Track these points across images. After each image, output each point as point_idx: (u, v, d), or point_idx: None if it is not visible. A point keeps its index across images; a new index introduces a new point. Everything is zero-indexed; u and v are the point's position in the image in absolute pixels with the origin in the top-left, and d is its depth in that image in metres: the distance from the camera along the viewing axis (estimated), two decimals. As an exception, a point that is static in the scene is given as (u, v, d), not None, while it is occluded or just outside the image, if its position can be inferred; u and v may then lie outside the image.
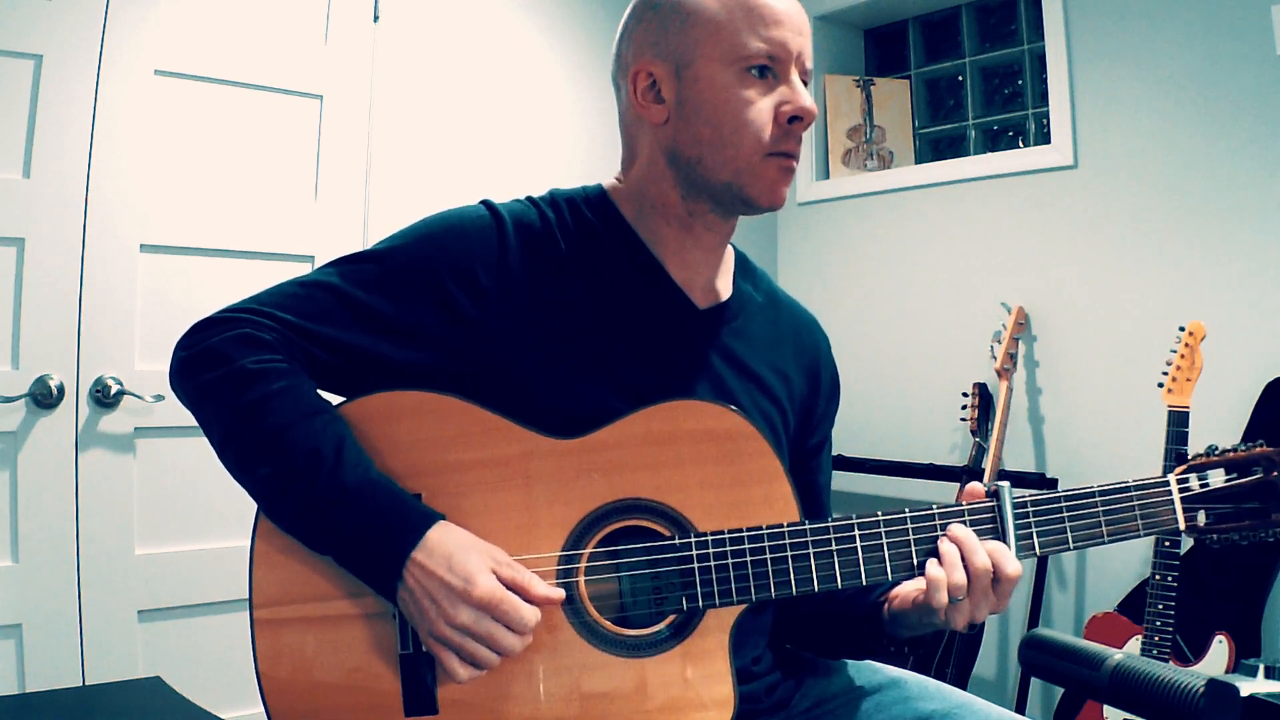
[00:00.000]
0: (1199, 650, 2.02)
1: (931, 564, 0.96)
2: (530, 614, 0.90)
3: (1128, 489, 1.00)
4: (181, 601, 2.11)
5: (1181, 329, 2.08)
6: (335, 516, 0.91)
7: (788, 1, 1.02)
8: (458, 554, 0.90)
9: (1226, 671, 1.96)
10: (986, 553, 0.95)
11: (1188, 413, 2.02)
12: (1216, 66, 2.28)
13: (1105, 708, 2.08)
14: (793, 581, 0.97)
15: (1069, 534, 0.99)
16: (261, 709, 0.94)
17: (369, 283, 1.01)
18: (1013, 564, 0.96)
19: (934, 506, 1.00)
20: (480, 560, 0.91)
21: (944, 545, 0.96)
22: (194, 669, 2.10)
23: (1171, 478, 1.01)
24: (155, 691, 1.55)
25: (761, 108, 1.00)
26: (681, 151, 1.04)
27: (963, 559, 0.95)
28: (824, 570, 0.97)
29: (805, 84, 1.04)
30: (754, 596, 0.96)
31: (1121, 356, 2.42)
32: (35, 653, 1.93)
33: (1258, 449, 1.01)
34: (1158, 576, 1.98)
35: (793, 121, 1.01)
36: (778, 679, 1.12)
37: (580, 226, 1.08)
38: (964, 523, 0.99)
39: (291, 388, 0.95)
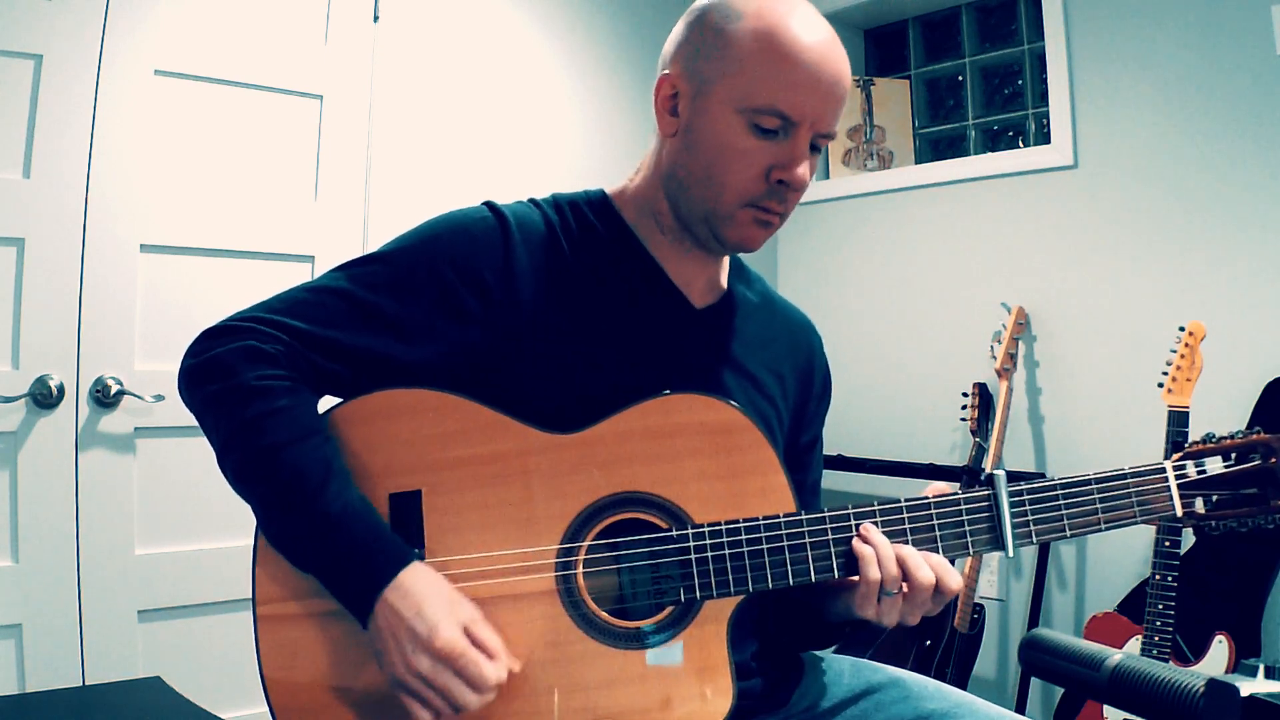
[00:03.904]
0: (1199, 650, 2.01)
1: (859, 544, 0.97)
2: (491, 672, 0.90)
3: (1124, 476, 1.01)
4: (181, 601, 2.11)
5: (1181, 329, 2.08)
6: (315, 543, 0.92)
7: (822, 64, 0.98)
8: (428, 603, 0.90)
9: (1226, 671, 1.96)
10: (930, 567, 0.96)
11: (1188, 413, 2.02)
12: (1216, 66, 2.28)
13: (1105, 708, 2.08)
14: (789, 572, 0.97)
15: (1065, 522, 1.00)
16: (262, 708, 0.95)
17: (376, 284, 1.02)
18: (955, 580, 0.96)
19: (929, 496, 1.01)
20: (449, 612, 0.91)
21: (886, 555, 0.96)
22: (194, 669, 2.10)
23: (1168, 464, 1.02)
24: (155, 691, 1.55)
25: (754, 162, 0.99)
26: (675, 172, 1.05)
27: (909, 575, 0.96)
28: (820, 561, 0.98)
29: (820, 147, 1.02)
30: (751, 587, 0.97)
31: (1121, 356, 2.42)
32: (35, 653, 1.93)
33: (1255, 435, 1.01)
34: (1158, 576, 1.98)
35: (780, 184, 1.00)
36: (776, 677, 1.12)
37: (582, 228, 1.09)
38: (960, 512, 0.99)
39: (289, 407, 0.96)
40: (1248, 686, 0.75)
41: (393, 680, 0.91)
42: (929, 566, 0.96)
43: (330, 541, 0.92)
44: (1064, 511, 1.00)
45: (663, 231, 1.09)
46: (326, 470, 0.93)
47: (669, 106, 1.05)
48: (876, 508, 0.99)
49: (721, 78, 1.00)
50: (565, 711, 0.95)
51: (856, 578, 0.97)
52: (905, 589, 0.96)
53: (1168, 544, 1.98)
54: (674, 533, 0.98)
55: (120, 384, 2.04)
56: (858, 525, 0.98)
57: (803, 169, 1.00)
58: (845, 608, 1.01)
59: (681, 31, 1.06)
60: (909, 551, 0.96)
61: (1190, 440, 1.03)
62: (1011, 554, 0.99)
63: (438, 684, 0.89)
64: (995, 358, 2.49)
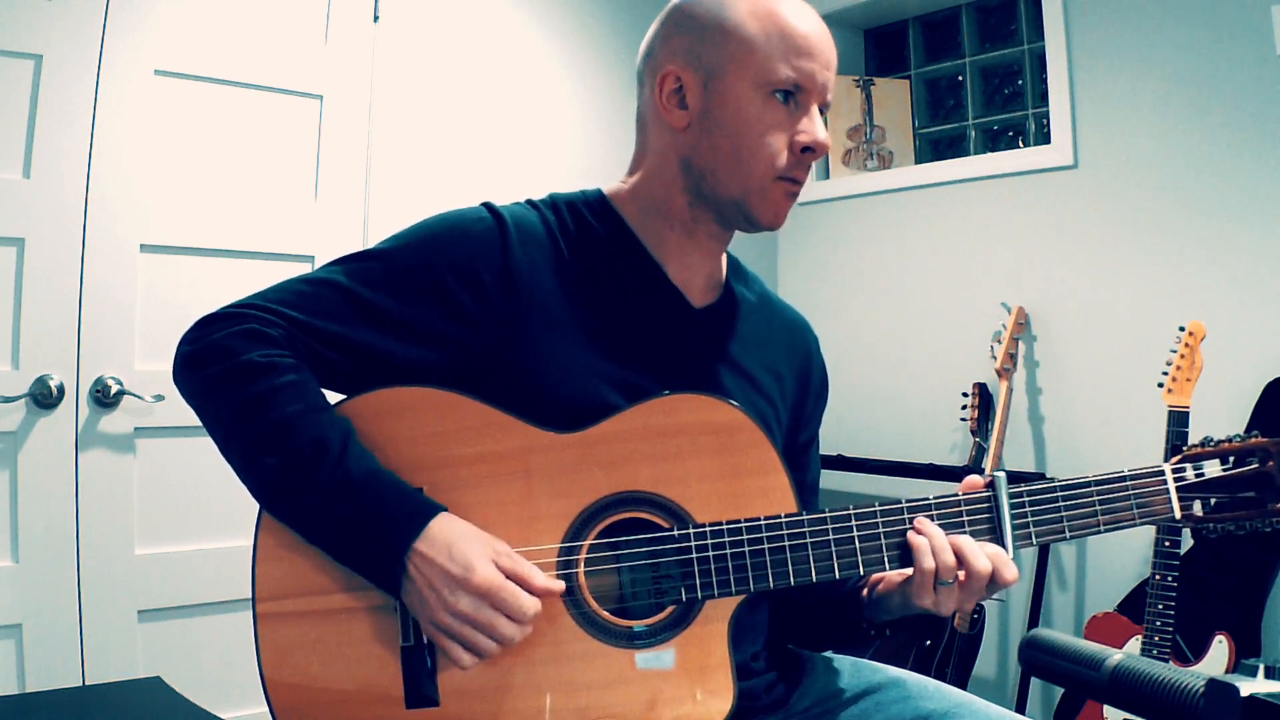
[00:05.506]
0: (1199, 650, 2.02)
1: (913, 536, 0.99)
2: (529, 603, 0.91)
3: (1123, 479, 1.02)
4: (181, 601, 2.11)
5: (1181, 329, 2.08)
6: (339, 506, 0.92)
7: (822, 35, 1.05)
8: (458, 543, 0.91)
9: (1226, 671, 1.97)
10: (987, 556, 0.98)
11: (1188, 413, 2.02)
12: (1216, 66, 2.28)
13: (1105, 708, 2.08)
14: (791, 572, 0.98)
15: (1065, 524, 1.01)
16: (262, 708, 0.95)
17: (374, 281, 1.02)
18: (1011, 570, 0.98)
19: (930, 498, 1.01)
20: (480, 549, 0.92)
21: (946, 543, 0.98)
22: (194, 669, 2.10)
23: (1166, 467, 1.03)
24: (155, 691, 1.55)
25: (780, 134, 1.03)
26: (696, 161, 1.06)
27: (966, 564, 0.97)
28: (821, 561, 0.98)
29: (824, 114, 1.07)
30: (752, 587, 0.97)
31: (1121, 356, 2.42)
32: (35, 653, 1.93)
33: (1253, 440, 1.02)
34: (1158, 576, 1.98)
35: (805, 151, 1.04)
36: (776, 677, 1.12)
37: (580, 228, 1.09)
38: (960, 513, 1.00)
39: (298, 382, 0.96)
40: (1248, 686, 0.75)
41: (432, 625, 0.91)
42: (985, 556, 0.98)
43: (355, 502, 0.92)
44: (1064, 513, 1.01)
45: (671, 227, 1.09)
46: (345, 436, 0.94)
47: (675, 100, 1.06)
48: (878, 508, 0.99)
49: (732, 61, 1.02)
50: (566, 711, 0.95)
51: (909, 570, 0.99)
52: (961, 577, 0.98)
53: (1168, 544, 1.98)
54: (675, 532, 0.98)
55: (120, 384, 2.04)
56: (860, 525, 0.99)
57: (824, 133, 1.04)
58: (902, 602, 1.03)
59: (667, 27, 1.08)
60: (965, 541, 0.98)
61: (1189, 443, 1.04)
62: (1011, 555, 0.99)
63: (480, 620, 0.90)
64: (995, 358, 2.49)
